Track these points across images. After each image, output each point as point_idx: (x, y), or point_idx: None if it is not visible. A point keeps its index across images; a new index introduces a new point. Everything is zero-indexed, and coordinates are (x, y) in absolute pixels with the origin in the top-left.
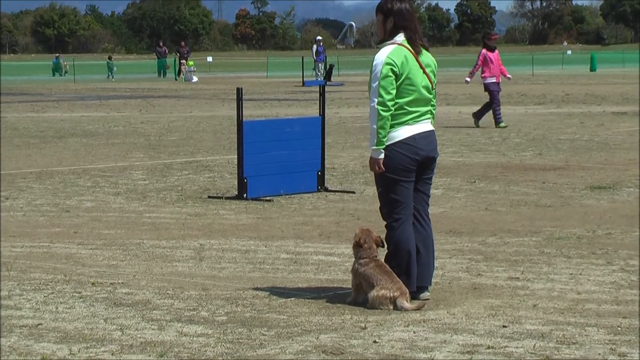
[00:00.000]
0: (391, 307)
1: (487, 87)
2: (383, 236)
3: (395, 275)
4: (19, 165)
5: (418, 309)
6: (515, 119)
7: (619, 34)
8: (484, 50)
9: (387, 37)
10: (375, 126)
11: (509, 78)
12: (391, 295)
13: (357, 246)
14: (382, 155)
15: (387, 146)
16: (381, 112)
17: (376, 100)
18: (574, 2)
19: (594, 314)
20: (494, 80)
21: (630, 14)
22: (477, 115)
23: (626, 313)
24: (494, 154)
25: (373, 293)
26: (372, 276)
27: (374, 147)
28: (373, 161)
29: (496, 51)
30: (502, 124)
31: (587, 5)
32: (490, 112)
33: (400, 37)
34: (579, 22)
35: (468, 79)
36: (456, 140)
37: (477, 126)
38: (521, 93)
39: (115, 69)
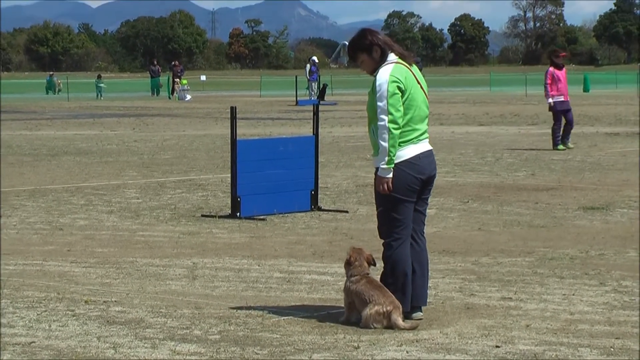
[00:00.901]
0: (385, 323)
1: (553, 106)
2: (377, 256)
3: (387, 290)
4: (12, 183)
5: (412, 328)
6: (508, 139)
7: (612, 55)
8: (551, 69)
9: (379, 64)
10: (386, 144)
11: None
12: (384, 310)
13: (348, 264)
14: (391, 174)
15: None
16: (393, 130)
17: (386, 118)
18: (567, 23)
19: (587, 335)
20: (561, 99)
21: (624, 35)
22: (564, 141)
23: (619, 334)
24: (487, 174)
25: (366, 311)
26: (364, 292)
27: (385, 166)
28: (382, 180)
29: (564, 69)
30: (561, 147)
31: (581, 26)
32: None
33: (393, 56)
34: (572, 43)
35: (551, 100)
36: (449, 160)
37: (569, 148)
38: (514, 113)
39: (104, 86)
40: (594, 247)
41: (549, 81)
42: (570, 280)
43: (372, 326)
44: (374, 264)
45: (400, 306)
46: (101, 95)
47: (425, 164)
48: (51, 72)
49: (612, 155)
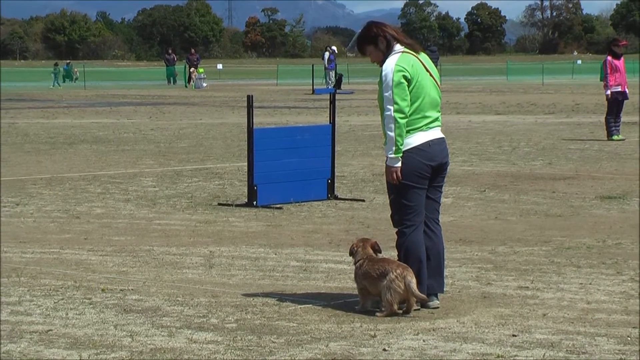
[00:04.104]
0: (402, 286)
1: (610, 95)
2: (393, 245)
3: (390, 258)
4: (29, 171)
5: (424, 299)
6: (525, 128)
7: (630, 44)
8: (609, 58)
9: (386, 55)
10: (392, 134)
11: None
12: (395, 274)
13: (352, 254)
14: (399, 164)
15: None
16: (398, 119)
17: (392, 108)
18: (584, 12)
19: (604, 324)
20: (619, 89)
21: None
22: (614, 131)
23: (636, 323)
24: (504, 163)
25: (382, 286)
26: (370, 270)
27: (392, 155)
28: (390, 170)
29: (622, 58)
30: (616, 137)
31: (598, 15)
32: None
33: (399, 47)
34: (589, 32)
35: (608, 92)
36: (466, 149)
37: (622, 139)
38: (531, 102)
39: (61, 71)
40: (611, 237)
41: (609, 71)
42: (587, 270)
43: (392, 301)
44: (380, 251)
45: (409, 267)
46: (58, 84)
47: (436, 151)
48: (68, 61)
49: (630, 145)
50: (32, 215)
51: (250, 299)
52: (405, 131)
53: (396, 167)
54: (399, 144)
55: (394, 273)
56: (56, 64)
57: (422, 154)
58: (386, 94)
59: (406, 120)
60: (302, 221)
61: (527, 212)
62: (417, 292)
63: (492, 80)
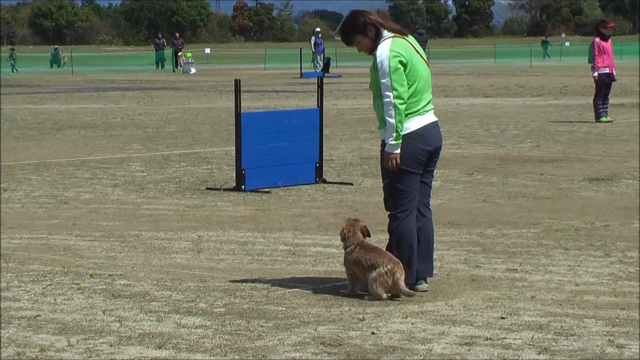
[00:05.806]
0: (390, 282)
1: (597, 77)
2: (382, 228)
3: (382, 249)
4: (17, 157)
5: (410, 295)
6: (513, 111)
7: (618, 26)
8: (597, 39)
9: (376, 42)
10: (393, 120)
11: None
12: (385, 269)
13: (343, 238)
14: (399, 150)
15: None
16: (399, 105)
17: (391, 94)
18: None
19: (592, 306)
20: (606, 70)
21: (629, 5)
22: (603, 113)
23: (624, 305)
24: (492, 146)
25: (369, 278)
26: (361, 259)
27: (393, 142)
28: (390, 156)
29: (609, 40)
30: (604, 119)
31: None
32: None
33: (387, 33)
34: (577, 14)
35: (595, 74)
36: (454, 132)
37: (610, 121)
38: (519, 85)
39: (17, 58)
40: (599, 219)
41: (597, 53)
42: (575, 252)
43: (379, 292)
44: (369, 235)
45: (400, 263)
46: (16, 70)
47: (432, 135)
48: (56, 46)
49: (618, 127)
50: (20, 201)
51: (239, 284)
52: (404, 116)
53: (395, 153)
54: (399, 130)
55: (384, 268)
56: (12, 50)
57: (420, 139)
58: (383, 80)
59: (405, 105)
60: (290, 205)
61: (516, 195)
62: (404, 289)
63: (480, 63)
